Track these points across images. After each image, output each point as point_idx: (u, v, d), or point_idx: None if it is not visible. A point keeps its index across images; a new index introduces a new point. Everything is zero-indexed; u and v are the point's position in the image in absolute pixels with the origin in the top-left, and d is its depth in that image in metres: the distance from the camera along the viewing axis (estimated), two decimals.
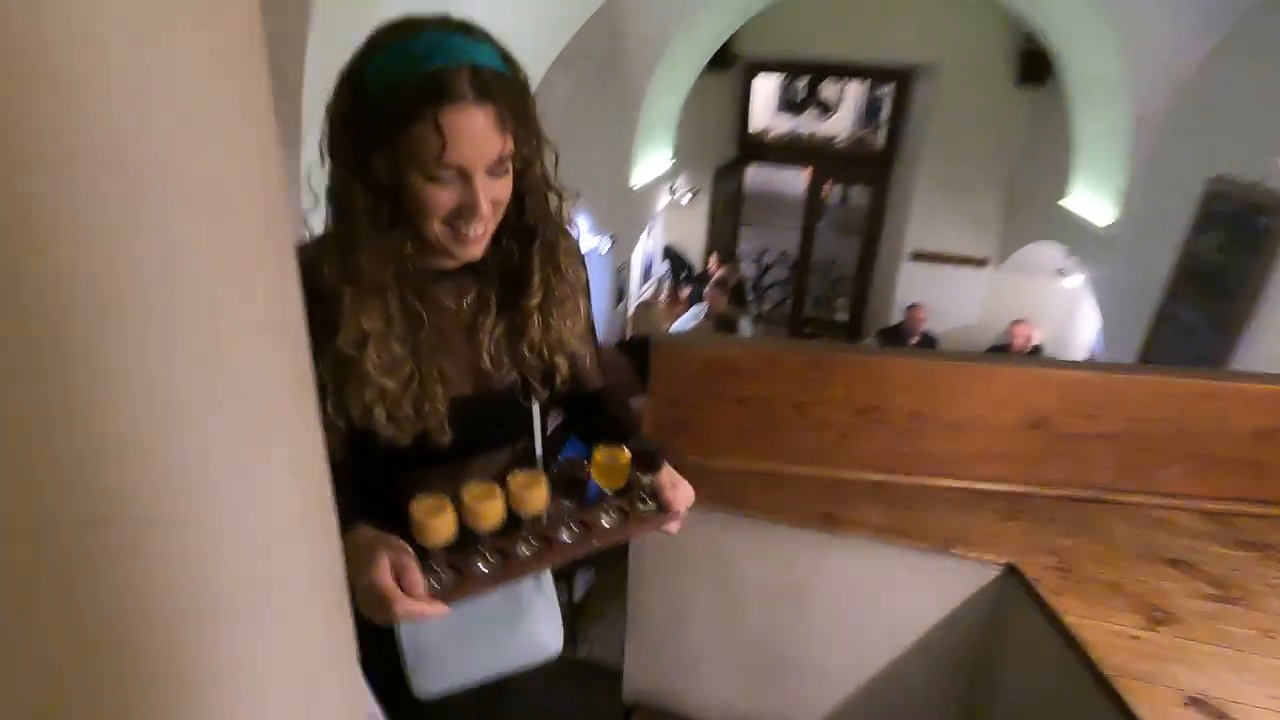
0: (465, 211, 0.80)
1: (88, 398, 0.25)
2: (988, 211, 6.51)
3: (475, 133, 0.76)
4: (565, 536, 0.90)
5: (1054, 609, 1.26)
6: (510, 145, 0.80)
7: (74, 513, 0.26)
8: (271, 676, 0.34)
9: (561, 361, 0.96)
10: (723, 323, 5.02)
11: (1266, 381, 1.57)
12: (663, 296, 7.45)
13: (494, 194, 0.81)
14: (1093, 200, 4.63)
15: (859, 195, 8.68)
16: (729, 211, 7.92)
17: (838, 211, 10.17)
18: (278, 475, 0.33)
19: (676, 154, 6.79)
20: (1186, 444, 1.56)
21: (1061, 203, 5.00)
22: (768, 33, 6.47)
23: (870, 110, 9.47)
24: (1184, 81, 3.65)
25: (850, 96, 9.65)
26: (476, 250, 0.85)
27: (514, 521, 0.86)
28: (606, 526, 0.91)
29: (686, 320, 5.40)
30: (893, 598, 1.48)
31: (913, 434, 1.56)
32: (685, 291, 7.20)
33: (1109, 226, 4.34)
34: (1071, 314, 5.72)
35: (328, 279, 0.80)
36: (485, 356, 0.92)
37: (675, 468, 0.95)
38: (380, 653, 0.89)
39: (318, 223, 0.85)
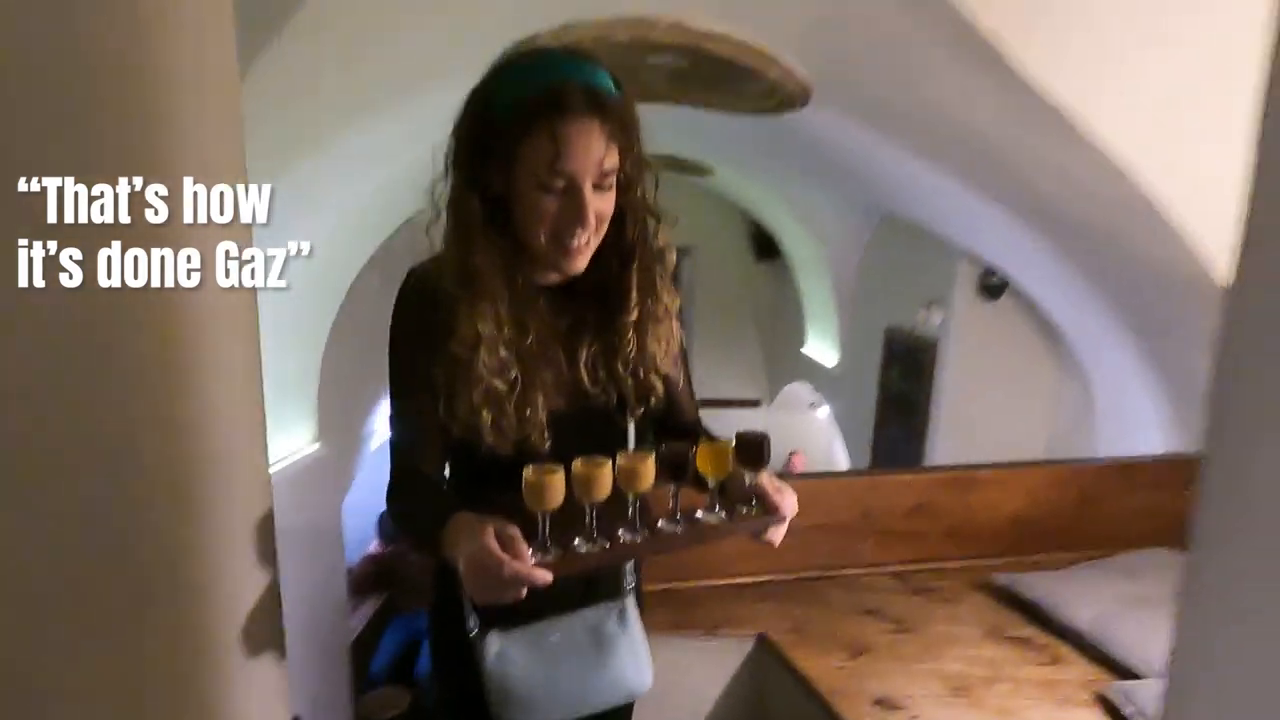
0: (571, 219, 0.86)
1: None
2: (754, 360, 7.73)
3: (585, 144, 0.83)
4: (669, 527, 0.92)
5: (790, 659, 1.72)
6: (615, 158, 0.86)
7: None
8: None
9: (656, 381, 0.99)
10: None
11: (912, 472, 2.27)
12: None
13: (598, 207, 0.87)
14: (822, 347, 5.83)
15: None
16: None
17: None
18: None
19: None
20: (871, 524, 2.18)
21: (803, 350, 6.19)
22: None
23: None
24: (859, 259, 4.94)
25: None
26: (580, 263, 0.90)
27: (619, 509, 0.88)
28: (713, 523, 0.93)
29: None
30: (688, 679, 1.86)
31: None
32: None
33: (834, 368, 5.49)
34: (830, 439, 6.84)
35: (445, 287, 0.89)
36: (584, 372, 0.96)
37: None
38: (467, 690, 0.95)
39: (437, 236, 0.93)
